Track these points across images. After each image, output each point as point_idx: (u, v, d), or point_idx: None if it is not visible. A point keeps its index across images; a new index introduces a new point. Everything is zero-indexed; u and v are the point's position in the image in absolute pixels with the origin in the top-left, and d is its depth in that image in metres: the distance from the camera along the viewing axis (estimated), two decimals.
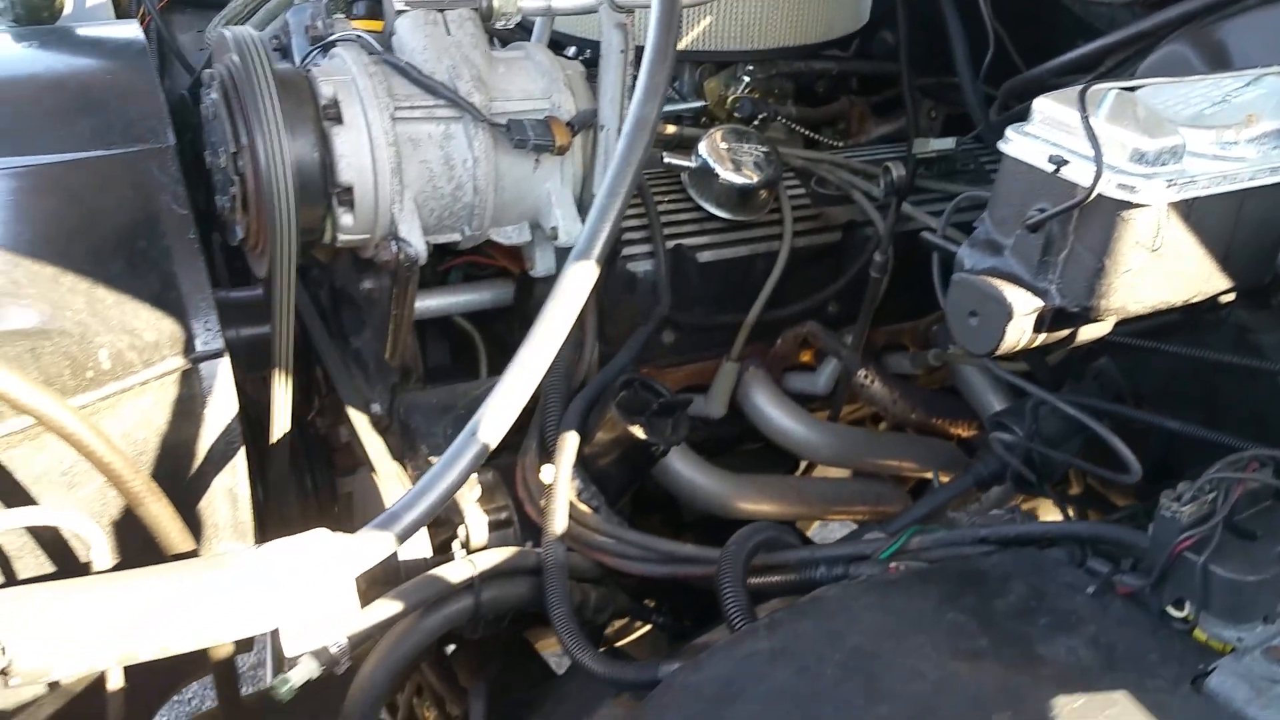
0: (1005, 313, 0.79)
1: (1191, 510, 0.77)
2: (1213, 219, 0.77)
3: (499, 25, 1.18)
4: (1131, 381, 1.16)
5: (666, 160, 1.33)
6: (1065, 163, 0.75)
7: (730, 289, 1.39)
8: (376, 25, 1.20)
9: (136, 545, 0.90)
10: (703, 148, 1.34)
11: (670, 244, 1.32)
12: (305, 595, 0.73)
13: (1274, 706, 0.72)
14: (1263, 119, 0.79)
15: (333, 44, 1.12)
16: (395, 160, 1.06)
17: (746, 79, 1.48)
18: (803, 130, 1.53)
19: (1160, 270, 0.77)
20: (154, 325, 1.04)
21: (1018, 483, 1.24)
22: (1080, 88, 0.75)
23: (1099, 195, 0.73)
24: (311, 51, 1.13)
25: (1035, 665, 0.78)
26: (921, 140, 1.49)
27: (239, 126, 1.01)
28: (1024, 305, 0.79)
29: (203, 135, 1.13)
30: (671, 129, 1.43)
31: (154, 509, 0.83)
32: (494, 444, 0.88)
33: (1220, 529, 0.76)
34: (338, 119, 1.04)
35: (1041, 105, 0.79)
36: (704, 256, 1.35)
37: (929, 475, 1.57)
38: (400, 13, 1.12)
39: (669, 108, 1.46)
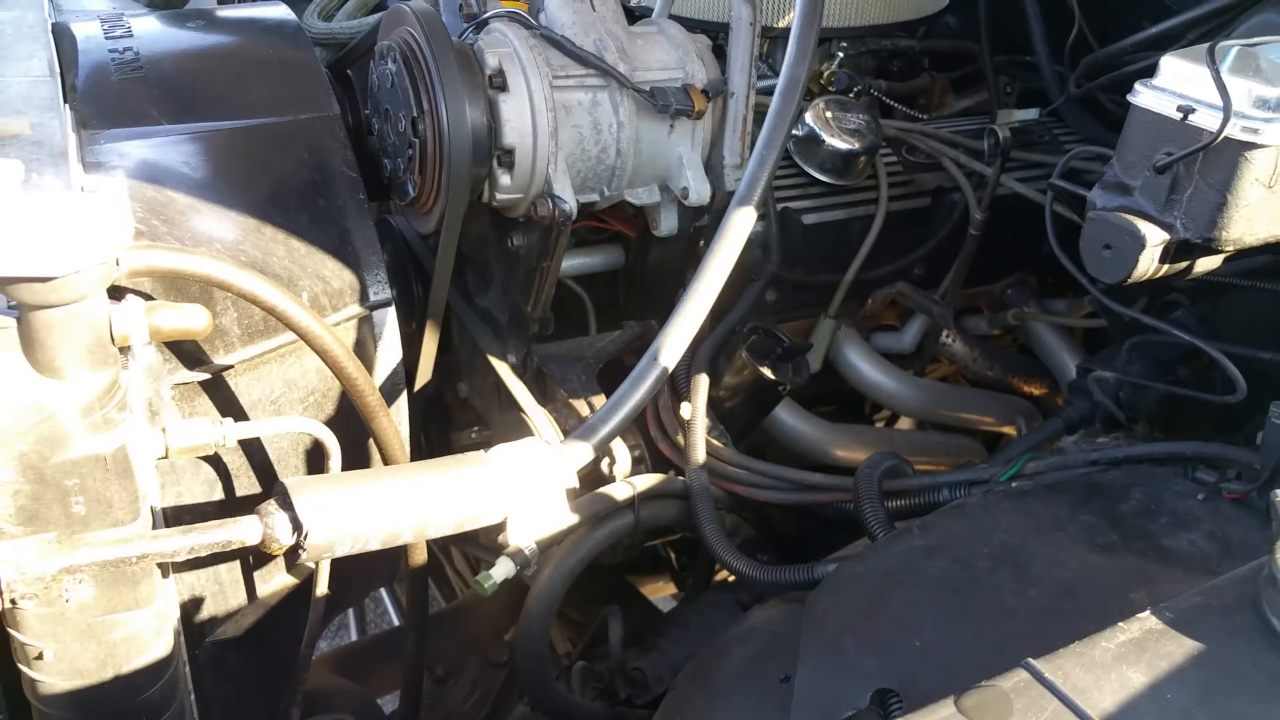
0: (1139, 244, 0.89)
1: None
2: None
3: (633, 2, 1.29)
4: (1209, 327, 1.26)
5: None
6: (1192, 110, 0.86)
7: (830, 249, 1.49)
8: (521, 4, 1.31)
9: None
10: (809, 116, 1.45)
11: (779, 206, 1.43)
12: (529, 493, 0.84)
13: None
14: None
15: (486, 21, 1.23)
16: (553, 125, 1.17)
17: (840, 54, 1.59)
18: (892, 103, 1.63)
19: (1275, 205, 0.88)
20: (338, 274, 1.15)
21: (1106, 423, 1.35)
22: (1208, 45, 0.86)
23: (1225, 138, 0.83)
24: (467, 29, 1.23)
25: (1162, 555, 0.89)
26: (1005, 111, 1.60)
27: (421, 94, 1.12)
28: (1155, 237, 0.89)
29: (370, 101, 1.25)
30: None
31: (385, 423, 0.95)
32: (672, 368, 0.98)
33: None
34: (503, 87, 1.15)
35: (1169, 62, 0.89)
36: (808, 219, 1.45)
37: (1006, 429, 1.68)
38: None
39: (764, 82, 1.57)
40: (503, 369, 1.34)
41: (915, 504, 1.12)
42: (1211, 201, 0.87)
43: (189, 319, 0.81)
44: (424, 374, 1.34)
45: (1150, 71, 1.37)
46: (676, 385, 1.27)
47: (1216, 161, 0.86)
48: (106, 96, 1.21)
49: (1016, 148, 1.60)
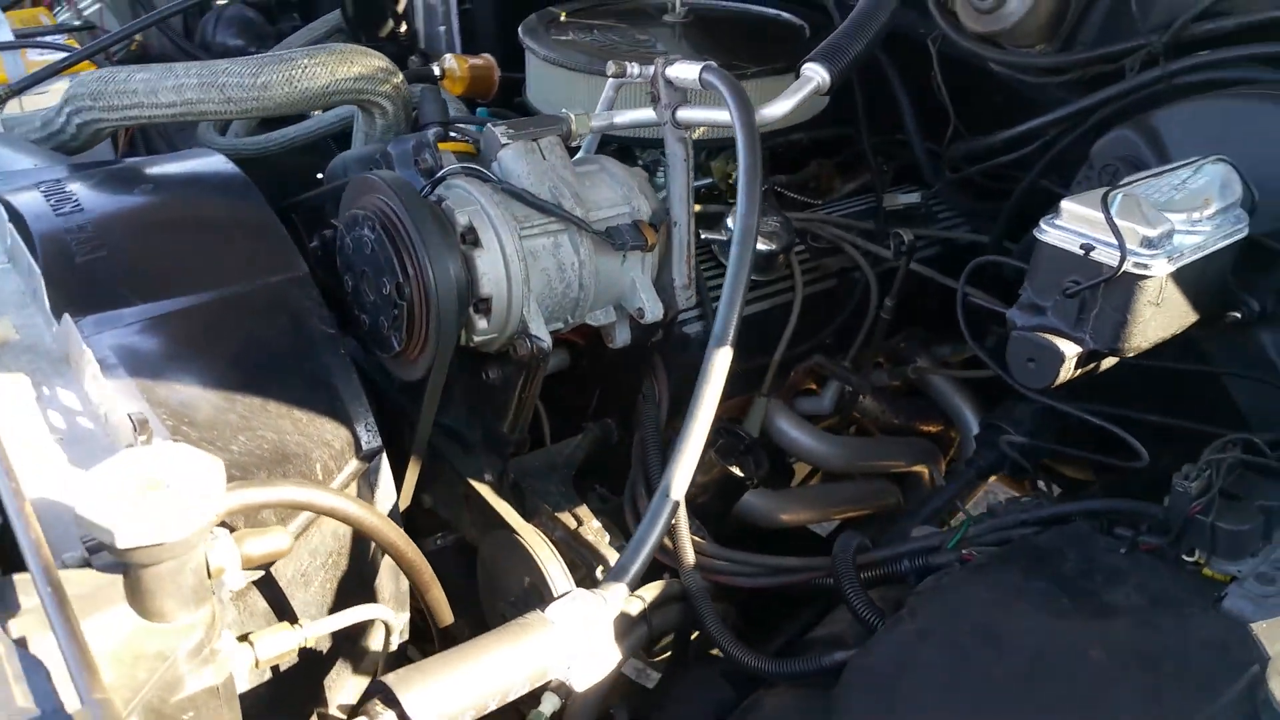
0: (1059, 359, 1.08)
1: (1198, 485, 1.07)
2: (1191, 276, 1.08)
3: (573, 144, 1.41)
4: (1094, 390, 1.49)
5: (703, 236, 1.58)
6: (1093, 248, 1.05)
7: (757, 337, 1.65)
8: (463, 147, 1.41)
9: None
10: (731, 222, 1.60)
11: (713, 307, 1.58)
12: (589, 642, 0.95)
13: (1270, 613, 1.03)
14: (1213, 200, 1.11)
15: (442, 178, 1.32)
16: (524, 272, 1.27)
17: None
18: (790, 194, 1.81)
19: (1161, 316, 1.08)
20: (337, 434, 1.22)
21: (1013, 471, 1.56)
22: (1101, 193, 1.05)
23: (1122, 271, 1.03)
24: (426, 185, 1.32)
25: (1105, 611, 1.07)
26: (890, 195, 1.79)
27: (406, 260, 1.21)
28: (1070, 351, 1.08)
29: (341, 261, 1.32)
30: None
31: (437, 594, 1.04)
32: (681, 498, 1.10)
33: (1218, 496, 1.07)
34: (476, 243, 1.25)
35: (1068, 205, 1.08)
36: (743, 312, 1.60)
37: (916, 468, 1.89)
38: (504, 145, 1.32)
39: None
40: (484, 489, 1.43)
41: (881, 575, 1.28)
42: (1114, 320, 1.06)
43: (275, 543, 0.88)
44: (404, 502, 1.42)
45: (1022, 162, 1.59)
46: (651, 486, 1.40)
47: (1116, 289, 1.05)
48: (74, 281, 1.24)
49: (901, 224, 1.80)
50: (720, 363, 1.14)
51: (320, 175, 1.81)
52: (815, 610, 1.47)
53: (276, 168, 1.90)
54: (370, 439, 1.26)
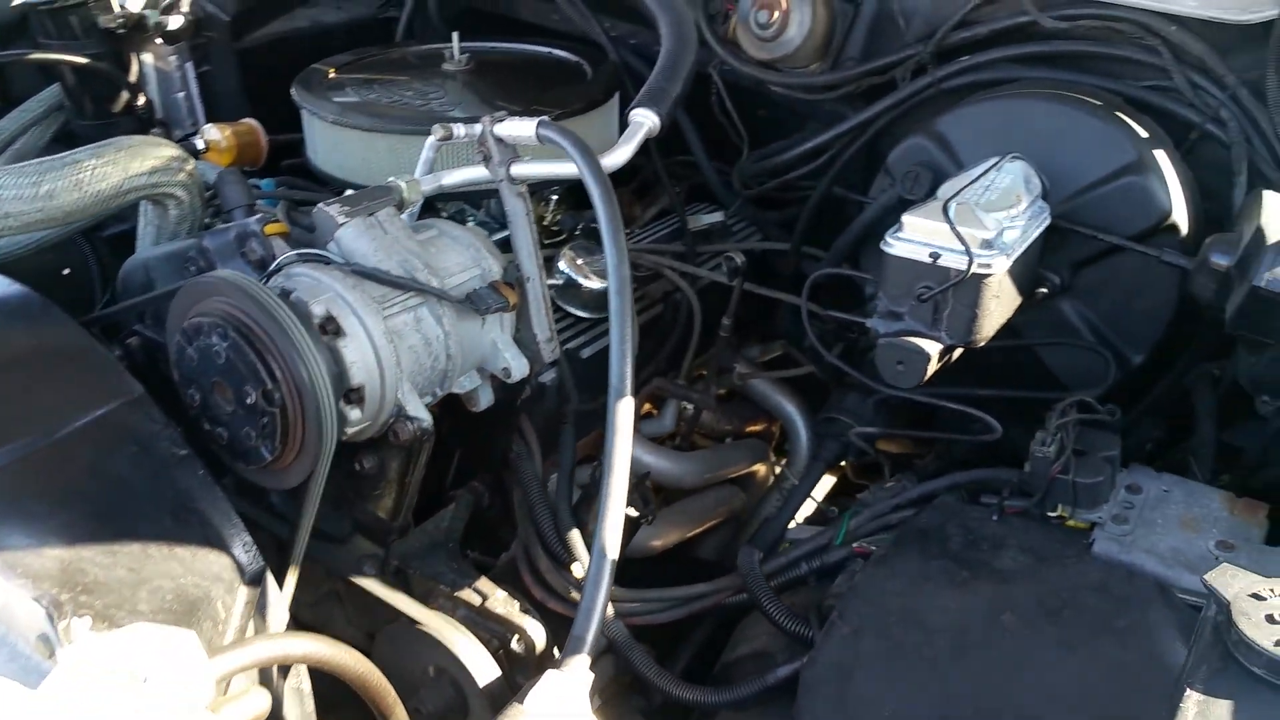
0: (925, 358, 1.18)
1: (1054, 448, 1.21)
2: (1017, 266, 1.22)
3: (405, 212, 1.37)
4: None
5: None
6: (940, 255, 1.16)
7: (600, 374, 1.67)
8: (279, 228, 1.33)
9: None
10: (563, 265, 1.61)
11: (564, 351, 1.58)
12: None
13: (1131, 548, 1.18)
14: (1022, 196, 1.25)
15: (278, 268, 1.25)
16: (395, 354, 1.22)
17: (555, 198, 1.76)
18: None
19: (1001, 306, 1.21)
20: (222, 564, 1.12)
21: (858, 457, 1.68)
22: (940, 204, 1.16)
23: (970, 273, 1.14)
24: (263, 278, 1.24)
25: (1000, 576, 1.19)
26: (695, 217, 1.87)
27: (272, 365, 1.13)
28: (932, 349, 1.19)
29: (186, 377, 1.21)
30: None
31: (401, 713, 0.98)
32: (616, 558, 1.10)
33: (1072, 455, 1.22)
34: (339, 332, 1.19)
35: (909, 219, 1.19)
36: (585, 353, 1.62)
37: (756, 468, 1.99)
38: (341, 224, 1.27)
39: (500, 235, 1.70)
40: (368, 582, 1.37)
41: (784, 582, 1.35)
42: (966, 316, 1.18)
43: (256, 705, 0.80)
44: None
45: (812, 173, 1.71)
46: (548, 545, 1.39)
47: (965, 289, 1.17)
48: None
49: (704, 243, 1.88)
50: (625, 414, 1.15)
51: (66, 271, 1.65)
52: (705, 630, 1.52)
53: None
54: (251, 560, 1.17)
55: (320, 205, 1.28)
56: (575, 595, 1.35)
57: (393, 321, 1.24)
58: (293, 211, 1.66)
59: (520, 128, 1.30)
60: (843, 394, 1.71)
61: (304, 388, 1.13)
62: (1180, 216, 1.34)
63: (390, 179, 1.36)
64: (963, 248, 1.14)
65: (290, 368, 1.13)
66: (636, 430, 1.79)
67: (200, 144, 1.84)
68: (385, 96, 1.75)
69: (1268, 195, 1.21)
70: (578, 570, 1.34)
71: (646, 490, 1.45)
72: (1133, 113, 1.41)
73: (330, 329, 1.19)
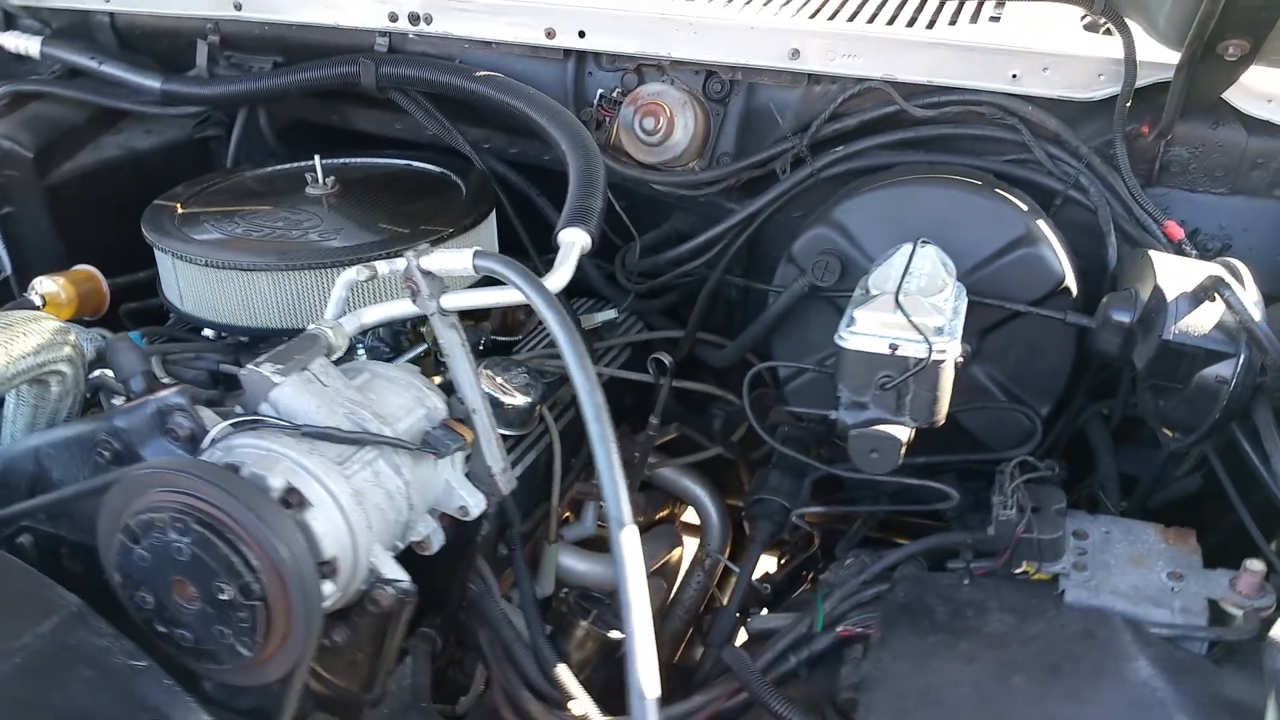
0: (897, 445, 1.23)
1: (1014, 512, 1.29)
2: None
3: (333, 358, 1.29)
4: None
5: None
6: (898, 346, 1.21)
7: (528, 491, 1.62)
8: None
9: None
10: (484, 386, 1.55)
11: None
12: None
13: (1098, 594, 1.27)
14: (946, 279, 1.33)
15: (213, 442, 1.13)
16: (365, 518, 1.14)
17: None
18: (497, 339, 1.79)
19: (951, 384, 1.28)
20: None
21: (791, 532, 1.72)
22: (890, 297, 1.21)
23: (930, 359, 1.20)
24: (201, 452, 1.12)
25: (995, 641, 1.24)
26: (588, 316, 1.86)
27: (247, 554, 1.01)
28: (901, 434, 1.24)
29: (133, 580, 1.07)
30: None
31: None
32: (657, 693, 1.05)
33: (1031, 515, 1.30)
34: (303, 504, 1.09)
35: (862, 314, 1.24)
36: (516, 472, 1.57)
37: (673, 554, 2.00)
38: (276, 384, 1.17)
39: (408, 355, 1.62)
40: None
41: (777, 676, 1.35)
42: (927, 399, 1.24)
43: None
44: None
45: (704, 264, 1.74)
46: (534, 685, 1.32)
47: (924, 375, 1.23)
48: None
49: (597, 339, 1.88)
50: (631, 545, 1.11)
51: None
52: None
53: None
54: None
55: (249, 367, 1.18)
56: None
57: (355, 481, 1.15)
58: (170, 369, 1.53)
59: (452, 261, 1.25)
60: (766, 475, 1.75)
61: (287, 573, 1.02)
62: (1069, 279, 1.47)
63: (311, 326, 1.27)
64: (921, 337, 1.20)
65: (269, 554, 1.02)
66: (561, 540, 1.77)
67: (37, 299, 1.65)
68: (255, 229, 1.64)
69: (1155, 256, 1.36)
70: (578, 708, 1.28)
71: (605, 605, 1.42)
72: (1006, 186, 1.54)
73: (294, 501, 1.09)
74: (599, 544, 1.84)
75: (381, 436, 1.18)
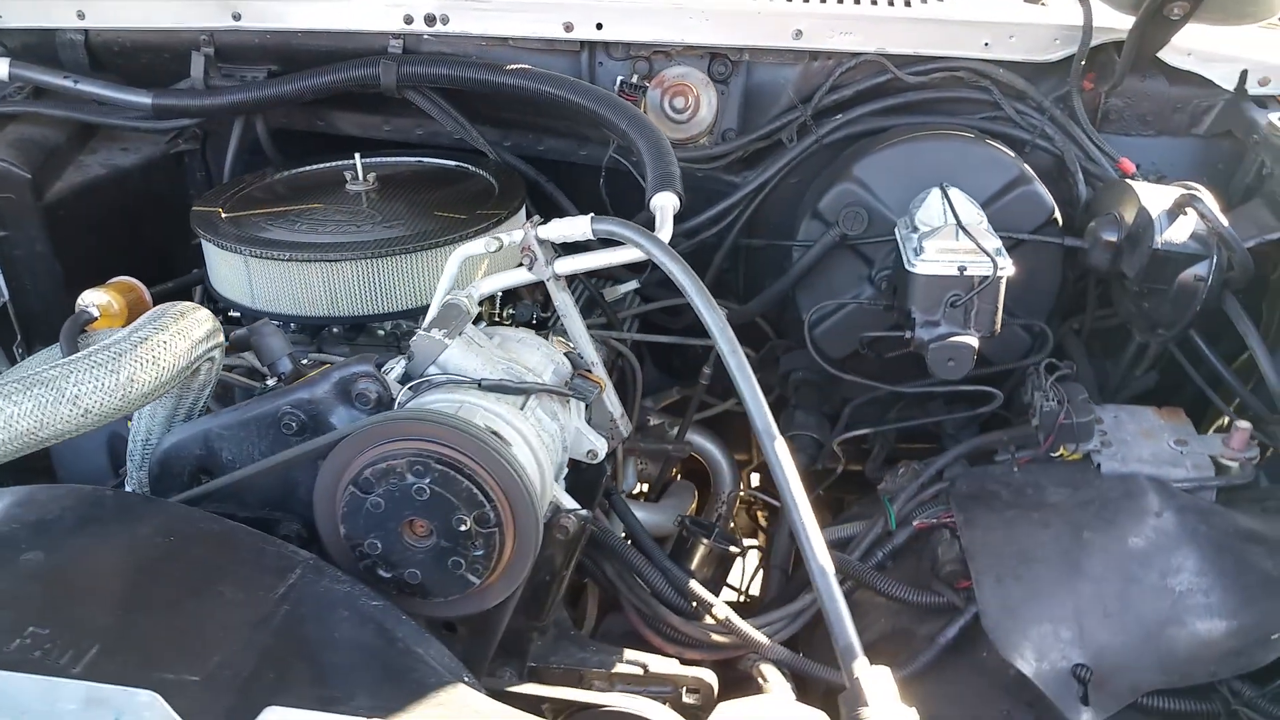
0: (971, 351, 1.45)
1: (1054, 405, 1.53)
2: None
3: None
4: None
5: None
6: (966, 267, 1.44)
7: None
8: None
9: None
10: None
11: None
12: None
13: (1127, 464, 1.53)
14: (978, 212, 1.57)
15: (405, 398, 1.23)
16: (546, 454, 1.26)
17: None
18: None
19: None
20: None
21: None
22: (955, 228, 1.43)
23: (995, 277, 1.43)
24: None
25: (1059, 509, 1.48)
26: (613, 289, 2.01)
27: (486, 485, 1.12)
28: (974, 343, 1.46)
29: (362, 528, 1.15)
30: None
31: None
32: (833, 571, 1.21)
33: (1068, 404, 1.55)
34: (505, 443, 1.21)
35: (930, 243, 1.45)
36: None
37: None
38: (447, 346, 1.27)
39: None
40: (528, 688, 1.35)
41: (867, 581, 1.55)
42: (989, 312, 1.47)
43: None
44: None
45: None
46: (671, 603, 1.47)
47: (988, 290, 1.45)
48: None
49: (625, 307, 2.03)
50: (784, 453, 1.28)
51: None
52: None
53: None
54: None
55: (420, 334, 1.28)
56: (718, 638, 1.45)
57: (531, 423, 1.28)
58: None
59: (570, 227, 1.39)
60: (791, 414, 1.95)
61: (518, 497, 1.14)
62: (1056, 211, 1.75)
63: (451, 296, 1.38)
64: (986, 258, 1.43)
65: (503, 483, 1.13)
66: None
67: (94, 311, 1.66)
68: (319, 225, 1.70)
69: (1135, 184, 1.64)
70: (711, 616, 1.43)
71: (714, 522, 1.58)
72: (989, 138, 1.81)
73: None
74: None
75: (543, 385, 1.31)
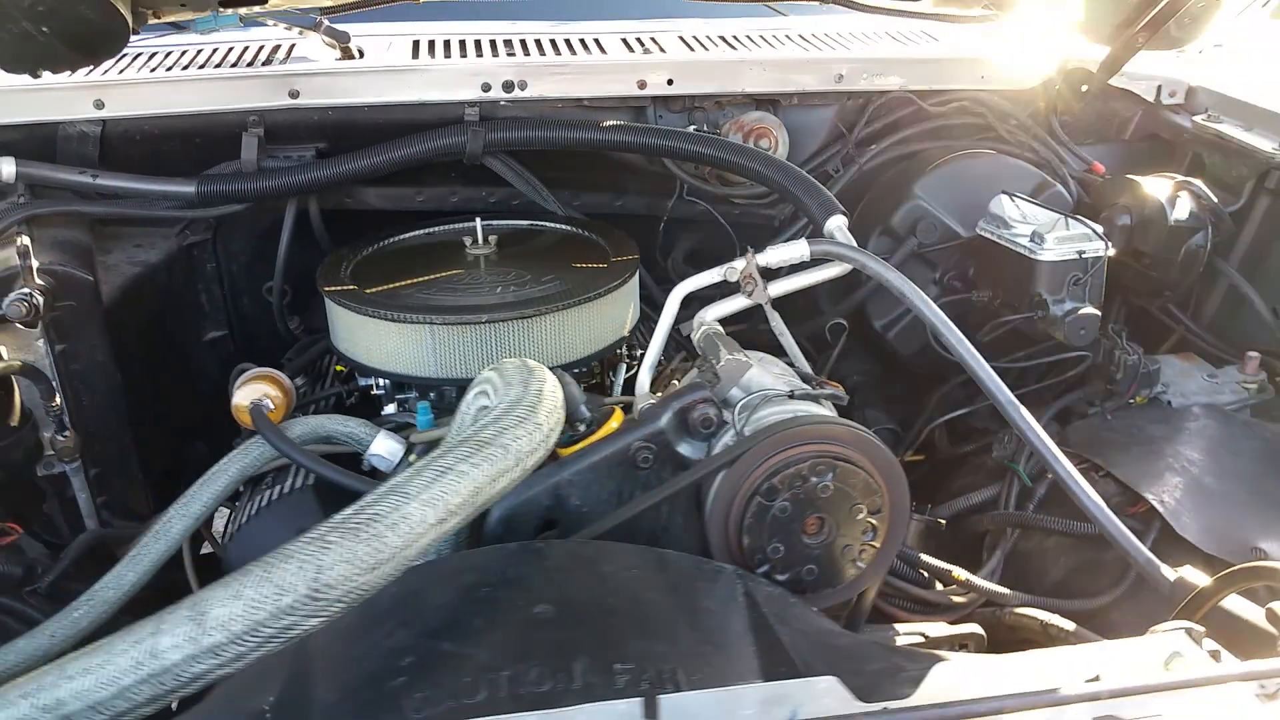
0: (1097, 320, 1.76)
1: (1135, 358, 1.88)
2: None
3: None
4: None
5: None
6: (1084, 251, 1.75)
7: None
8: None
9: None
10: None
11: None
12: None
13: (1188, 398, 1.91)
14: (1048, 211, 1.89)
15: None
16: None
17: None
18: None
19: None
20: None
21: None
22: (1064, 219, 1.74)
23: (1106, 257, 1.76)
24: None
25: (1163, 438, 1.82)
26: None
27: (875, 477, 1.26)
28: (1098, 312, 1.77)
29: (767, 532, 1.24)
30: None
31: None
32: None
33: (1143, 356, 1.90)
34: None
35: (1049, 234, 1.74)
36: None
37: None
38: (750, 367, 1.39)
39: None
40: None
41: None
42: (1099, 285, 1.78)
43: None
44: None
45: None
46: (909, 576, 1.64)
47: (1099, 270, 1.77)
48: None
49: None
50: (1032, 420, 1.50)
51: None
52: None
53: None
54: None
55: (729, 357, 1.39)
56: (958, 599, 1.63)
57: None
58: None
59: (789, 251, 1.56)
60: (863, 413, 2.18)
61: (895, 486, 1.29)
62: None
63: (702, 327, 1.49)
64: (1101, 243, 1.75)
65: (886, 470, 1.27)
66: None
67: (269, 403, 1.58)
68: (459, 289, 1.72)
69: (1139, 179, 2.03)
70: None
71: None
72: None
73: None
74: None
75: (828, 393, 1.45)
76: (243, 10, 1.78)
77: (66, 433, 1.68)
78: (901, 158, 2.16)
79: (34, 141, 1.90)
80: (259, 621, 0.92)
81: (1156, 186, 2.00)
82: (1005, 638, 1.60)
